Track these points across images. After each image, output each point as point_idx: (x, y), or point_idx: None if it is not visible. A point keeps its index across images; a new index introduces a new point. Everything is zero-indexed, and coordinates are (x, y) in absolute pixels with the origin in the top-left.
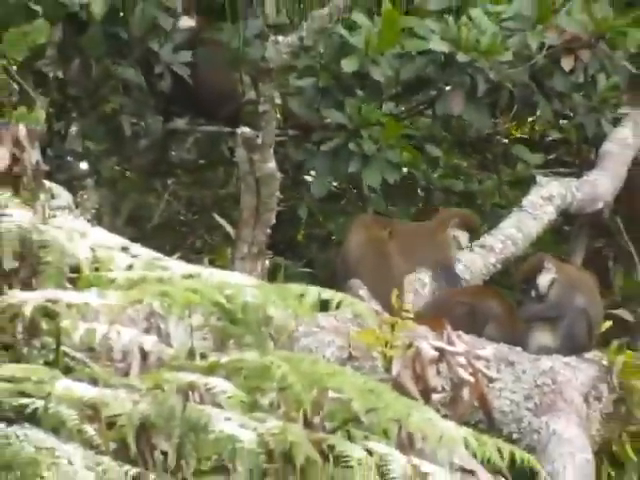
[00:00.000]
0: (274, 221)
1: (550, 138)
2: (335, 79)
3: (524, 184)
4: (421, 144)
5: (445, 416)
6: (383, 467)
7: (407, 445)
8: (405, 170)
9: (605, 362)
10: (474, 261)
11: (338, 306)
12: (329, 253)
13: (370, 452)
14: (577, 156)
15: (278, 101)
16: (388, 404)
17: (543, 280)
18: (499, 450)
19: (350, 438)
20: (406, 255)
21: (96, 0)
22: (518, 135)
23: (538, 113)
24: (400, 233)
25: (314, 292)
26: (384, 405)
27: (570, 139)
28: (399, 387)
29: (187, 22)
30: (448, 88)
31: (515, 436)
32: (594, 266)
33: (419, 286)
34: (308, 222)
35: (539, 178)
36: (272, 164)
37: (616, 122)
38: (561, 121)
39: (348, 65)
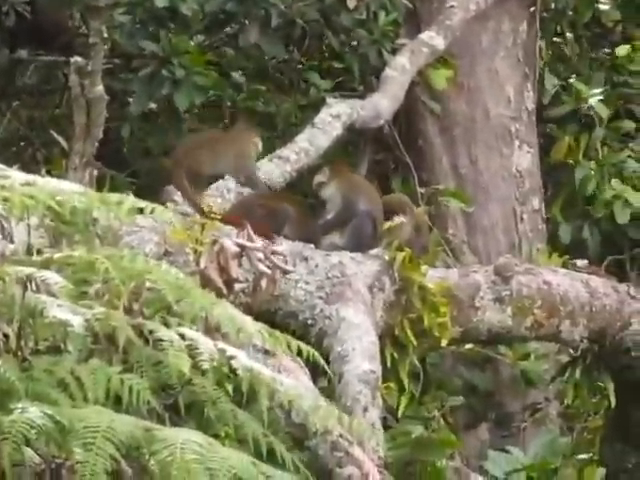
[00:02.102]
0: (101, 136)
1: (338, 66)
2: (150, 14)
3: (317, 106)
4: (227, 71)
5: (247, 303)
6: (193, 350)
7: (214, 330)
8: (213, 94)
9: (387, 258)
10: (272, 170)
11: (152, 212)
12: (150, 164)
13: (182, 336)
14: (361, 82)
15: (105, 34)
16: (195, 297)
17: (326, 191)
18: (288, 344)
19: (166, 324)
20: (211, 162)
21: None
22: (310, 63)
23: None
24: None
25: (130, 200)
26: (192, 298)
27: (353, 68)
28: (206, 278)
29: None
30: (247, 23)
31: (310, 322)
32: (377, 175)
33: (225, 191)
34: (132, 138)
35: (329, 99)
36: (100, 87)
37: (395, 52)
38: (347, 52)
39: (160, 1)
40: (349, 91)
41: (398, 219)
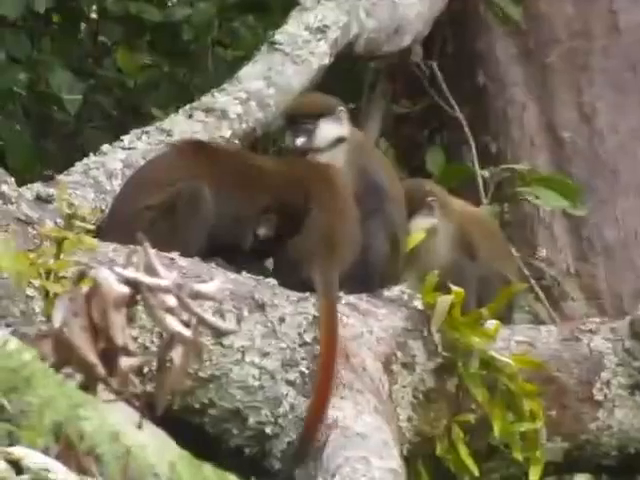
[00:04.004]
0: None
1: None
2: None
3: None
4: None
5: (146, 394)
6: None
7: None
8: None
9: (419, 304)
10: (195, 134)
11: None
12: None
13: (17, 464)
14: None
15: None
16: (43, 395)
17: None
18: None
19: None
20: None
21: None
22: None
23: None
24: None
25: None
26: (35, 390)
27: None
28: (65, 346)
29: None
30: None
31: (270, 429)
32: (400, 143)
33: (103, 176)
34: None
35: None
36: None
37: None
38: None
39: None
40: None
41: (423, 221)
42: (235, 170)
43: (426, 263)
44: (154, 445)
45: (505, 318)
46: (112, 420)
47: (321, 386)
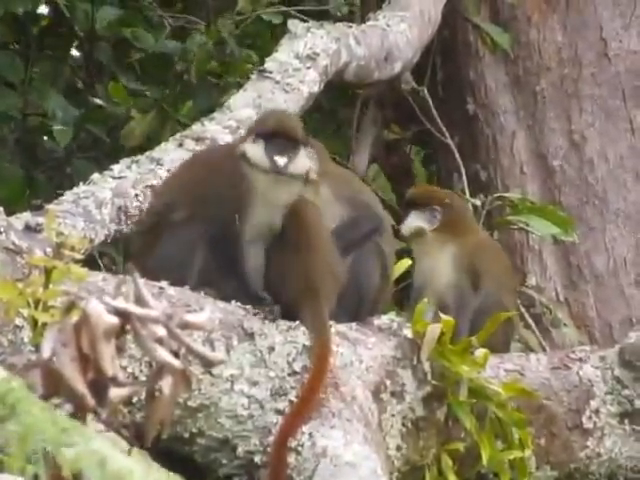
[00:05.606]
0: None
1: None
2: None
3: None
4: None
5: (134, 424)
6: None
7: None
8: None
9: (408, 333)
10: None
11: None
12: None
13: None
14: None
15: None
16: (26, 422)
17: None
18: None
19: None
20: None
21: None
22: None
23: None
24: None
25: None
26: (21, 424)
27: None
28: (54, 377)
29: None
30: None
31: (259, 458)
32: (391, 168)
33: (92, 205)
34: None
35: (292, 24)
36: None
37: None
38: None
39: None
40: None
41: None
42: None
43: (431, 276)
44: (140, 469)
45: (502, 348)
46: (99, 445)
47: (292, 418)
